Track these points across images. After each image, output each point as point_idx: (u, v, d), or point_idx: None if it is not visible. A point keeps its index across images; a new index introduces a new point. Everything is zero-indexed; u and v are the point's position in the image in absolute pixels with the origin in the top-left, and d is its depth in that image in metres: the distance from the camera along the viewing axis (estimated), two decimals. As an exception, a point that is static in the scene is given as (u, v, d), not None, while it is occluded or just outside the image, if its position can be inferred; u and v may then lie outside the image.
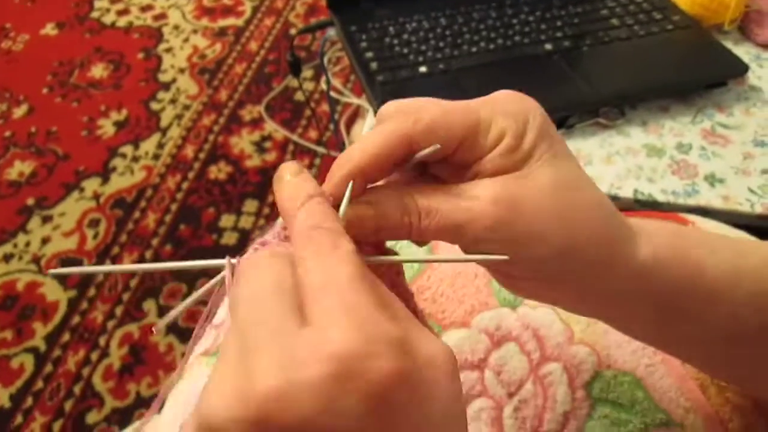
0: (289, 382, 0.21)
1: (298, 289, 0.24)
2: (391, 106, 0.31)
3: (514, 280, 0.32)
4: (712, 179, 0.66)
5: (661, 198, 0.65)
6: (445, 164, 0.31)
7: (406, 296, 0.32)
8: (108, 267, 0.28)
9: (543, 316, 0.47)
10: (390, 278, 0.31)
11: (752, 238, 0.51)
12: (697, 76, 0.75)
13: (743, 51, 0.80)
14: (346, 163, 0.29)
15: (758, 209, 0.63)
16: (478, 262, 0.28)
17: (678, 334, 0.34)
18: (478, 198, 0.29)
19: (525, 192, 0.29)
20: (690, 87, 0.75)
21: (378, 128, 0.30)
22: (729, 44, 0.79)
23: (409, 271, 0.51)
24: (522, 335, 0.46)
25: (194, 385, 0.50)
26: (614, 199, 0.65)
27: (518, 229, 0.29)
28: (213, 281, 0.28)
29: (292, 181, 0.29)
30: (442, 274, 0.51)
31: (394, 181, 0.32)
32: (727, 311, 0.32)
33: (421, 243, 0.33)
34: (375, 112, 0.74)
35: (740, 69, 0.74)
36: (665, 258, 0.31)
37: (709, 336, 0.33)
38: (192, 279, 1.35)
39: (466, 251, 0.32)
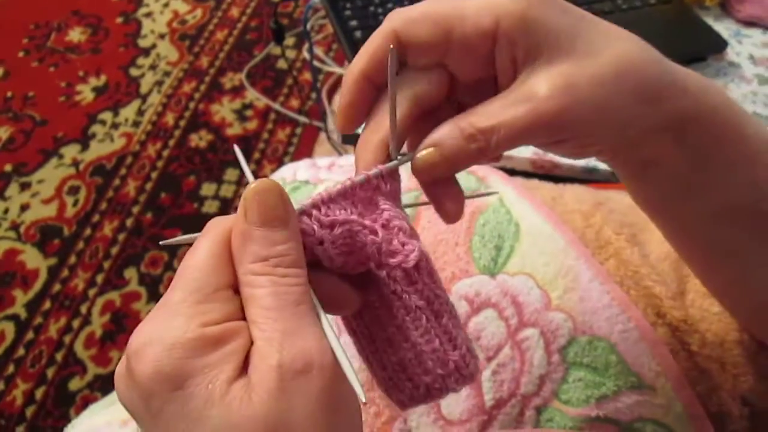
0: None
1: None
2: None
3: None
4: (688, 152, 0.67)
5: (638, 170, 0.66)
6: (474, 90, 0.32)
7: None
8: None
9: (521, 283, 0.48)
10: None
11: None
12: (676, 51, 0.75)
13: (723, 27, 0.81)
14: (351, 72, 0.32)
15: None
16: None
17: (700, 193, 0.34)
18: (535, 96, 0.29)
19: (578, 71, 0.29)
20: (670, 61, 0.76)
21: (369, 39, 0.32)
22: (710, 20, 0.80)
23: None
24: (501, 302, 0.48)
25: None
26: (592, 171, 0.66)
27: (583, 108, 0.29)
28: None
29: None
30: (423, 242, 0.52)
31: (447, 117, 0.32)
32: (760, 174, 0.33)
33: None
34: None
35: (720, 45, 0.75)
36: (714, 102, 0.32)
37: (731, 203, 0.34)
38: (174, 248, 1.35)
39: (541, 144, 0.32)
